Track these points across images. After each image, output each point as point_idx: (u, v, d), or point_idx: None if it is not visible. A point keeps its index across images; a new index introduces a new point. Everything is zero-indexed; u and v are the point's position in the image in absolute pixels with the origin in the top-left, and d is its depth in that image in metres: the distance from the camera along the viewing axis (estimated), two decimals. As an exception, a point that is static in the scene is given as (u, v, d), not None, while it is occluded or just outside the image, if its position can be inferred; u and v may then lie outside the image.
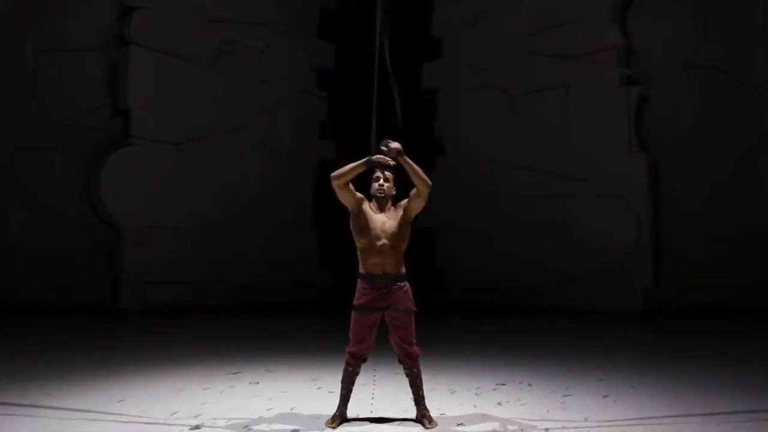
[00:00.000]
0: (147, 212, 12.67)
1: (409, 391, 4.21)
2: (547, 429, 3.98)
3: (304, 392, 5.13)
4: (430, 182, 4.06)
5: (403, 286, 4.13)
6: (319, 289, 15.58)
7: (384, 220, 4.11)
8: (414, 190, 4.12)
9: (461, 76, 15.08)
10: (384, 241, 4.06)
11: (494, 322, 11.21)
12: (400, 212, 4.16)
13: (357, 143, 5.24)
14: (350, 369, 4.15)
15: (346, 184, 4.07)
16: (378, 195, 4.16)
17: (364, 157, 4.08)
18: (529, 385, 5.39)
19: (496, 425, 4.07)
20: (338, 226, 5.07)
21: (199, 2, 14.16)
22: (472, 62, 15.07)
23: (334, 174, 4.05)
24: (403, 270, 4.16)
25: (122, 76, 12.71)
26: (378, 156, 4.02)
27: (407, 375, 4.19)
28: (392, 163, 4.02)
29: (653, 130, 12.76)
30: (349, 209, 4.16)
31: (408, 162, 4.00)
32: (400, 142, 4.02)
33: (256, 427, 4.04)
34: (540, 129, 13.95)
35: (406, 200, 4.21)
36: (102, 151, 12.57)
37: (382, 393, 5.04)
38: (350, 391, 4.18)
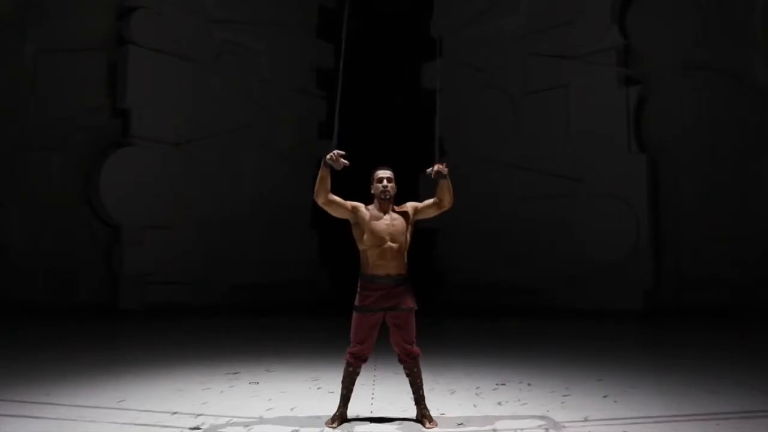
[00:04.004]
0: (147, 212, 12.68)
1: (409, 390, 4.21)
2: (547, 429, 3.98)
3: (304, 392, 5.12)
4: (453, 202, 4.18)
5: (405, 286, 4.13)
6: (318, 289, 15.58)
7: (389, 223, 4.09)
8: (433, 200, 4.19)
9: (461, 76, 15.09)
10: (389, 243, 4.04)
11: (494, 322, 11.20)
12: (407, 214, 4.17)
13: (357, 143, 5.25)
14: (351, 369, 4.14)
15: (330, 200, 4.04)
16: (383, 198, 4.13)
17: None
18: (529, 385, 5.39)
19: (496, 425, 4.07)
20: (338, 226, 5.07)
21: (199, 2, 14.18)
22: (472, 62, 15.07)
23: (314, 196, 4.04)
24: (405, 271, 4.15)
25: (122, 76, 12.73)
26: (330, 155, 3.93)
27: (407, 375, 4.18)
28: (342, 155, 3.91)
29: (653, 130, 12.77)
30: (349, 219, 4.17)
31: (448, 180, 4.10)
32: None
33: (256, 427, 4.04)
34: (540, 129, 13.96)
35: (413, 203, 4.23)
36: (102, 151, 12.58)
37: (382, 393, 5.03)
38: (350, 391, 4.17)
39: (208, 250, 13.68)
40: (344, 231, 4.28)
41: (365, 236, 4.08)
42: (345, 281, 5.91)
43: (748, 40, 12.18)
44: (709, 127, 12.32)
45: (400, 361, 4.18)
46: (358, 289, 4.11)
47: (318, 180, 3.98)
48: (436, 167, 4.06)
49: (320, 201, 4.02)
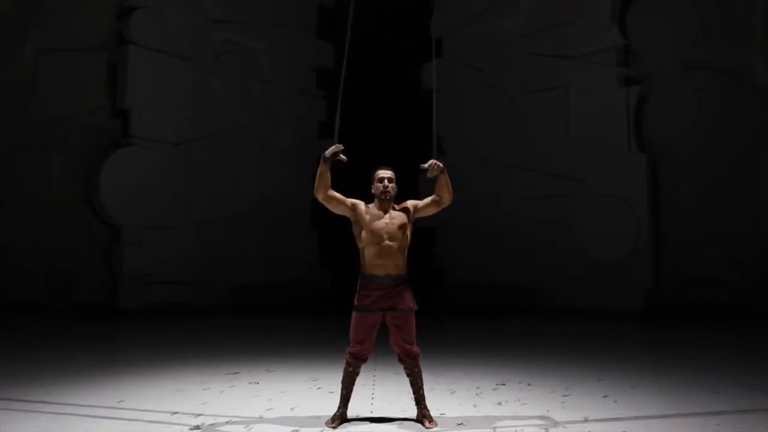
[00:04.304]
0: (147, 212, 12.69)
1: (409, 390, 4.21)
2: (547, 429, 3.98)
3: (304, 392, 5.12)
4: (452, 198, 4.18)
5: (405, 286, 4.12)
6: (318, 289, 15.58)
7: (387, 222, 4.08)
8: (433, 198, 4.19)
9: (461, 76, 15.09)
10: (388, 242, 4.04)
11: (494, 322, 11.20)
12: (407, 213, 4.16)
13: (357, 143, 5.25)
14: (351, 369, 4.14)
15: (330, 196, 4.05)
16: (383, 198, 4.13)
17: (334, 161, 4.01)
18: (529, 385, 5.39)
19: (496, 425, 4.07)
20: (337, 226, 5.07)
21: (199, 2, 14.18)
22: (472, 62, 15.08)
23: (314, 192, 4.05)
24: (405, 271, 4.15)
25: (122, 76, 12.74)
26: (328, 150, 3.97)
27: (408, 374, 4.18)
28: (340, 150, 3.96)
29: (653, 130, 12.77)
30: (348, 216, 4.17)
31: (446, 176, 4.10)
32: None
33: (256, 427, 4.04)
34: (540, 129, 13.97)
35: (413, 201, 4.23)
36: (102, 151, 12.58)
37: (382, 393, 5.03)
38: (350, 391, 4.17)
39: (208, 250, 13.68)
40: (344, 231, 4.28)
41: (363, 234, 4.09)
42: (345, 281, 5.91)
43: (748, 40, 12.18)
44: (709, 127, 12.32)
45: (400, 361, 4.18)
46: (358, 289, 4.11)
47: (317, 176, 4.00)
48: (432, 162, 4.07)
49: (320, 197, 4.04)
